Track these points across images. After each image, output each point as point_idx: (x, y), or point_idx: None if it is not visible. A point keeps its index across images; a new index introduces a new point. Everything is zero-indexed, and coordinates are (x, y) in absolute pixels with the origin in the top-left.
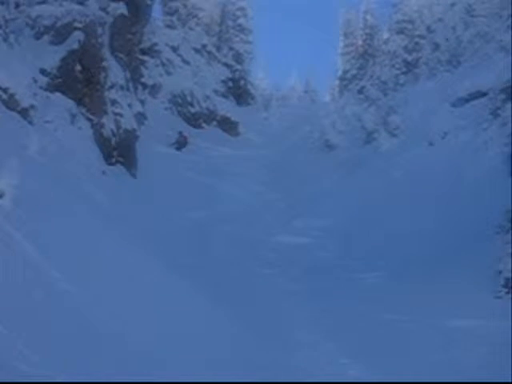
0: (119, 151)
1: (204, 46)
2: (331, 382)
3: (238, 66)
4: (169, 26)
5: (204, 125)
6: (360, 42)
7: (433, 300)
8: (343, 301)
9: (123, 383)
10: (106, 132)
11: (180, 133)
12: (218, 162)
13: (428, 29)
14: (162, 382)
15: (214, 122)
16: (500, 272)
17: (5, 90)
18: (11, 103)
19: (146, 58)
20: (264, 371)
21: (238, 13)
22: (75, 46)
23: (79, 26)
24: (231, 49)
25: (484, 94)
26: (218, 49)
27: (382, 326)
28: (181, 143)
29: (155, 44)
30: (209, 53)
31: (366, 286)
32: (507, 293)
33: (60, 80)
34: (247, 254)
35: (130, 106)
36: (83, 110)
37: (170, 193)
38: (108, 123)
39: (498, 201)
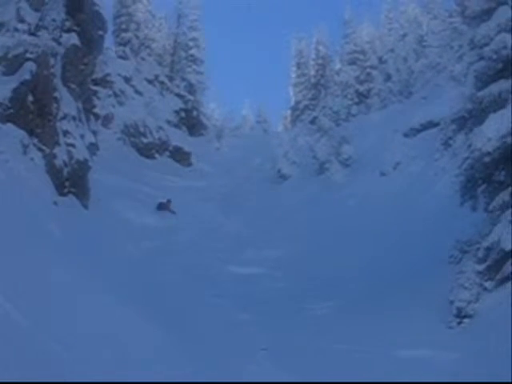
0: (71, 182)
1: (156, 77)
2: (331, 381)
3: (191, 97)
4: (121, 57)
5: (156, 155)
6: (312, 73)
7: (385, 330)
8: (294, 331)
9: (123, 383)
10: (58, 163)
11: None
12: (169, 192)
13: (380, 59)
14: (162, 381)
15: (167, 153)
16: (452, 302)
17: None
18: None
19: (98, 88)
20: None
21: (191, 43)
22: (27, 76)
23: (31, 56)
24: (184, 79)
25: (435, 125)
26: (171, 79)
27: (333, 356)
28: (162, 207)
29: (108, 74)
30: (161, 83)
31: (316, 317)
32: (459, 323)
33: (12, 111)
34: (198, 284)
35: (82, 136)
36: (35, 141)
37: (122, 224)
38: (60, 154)
39: (450, 231)
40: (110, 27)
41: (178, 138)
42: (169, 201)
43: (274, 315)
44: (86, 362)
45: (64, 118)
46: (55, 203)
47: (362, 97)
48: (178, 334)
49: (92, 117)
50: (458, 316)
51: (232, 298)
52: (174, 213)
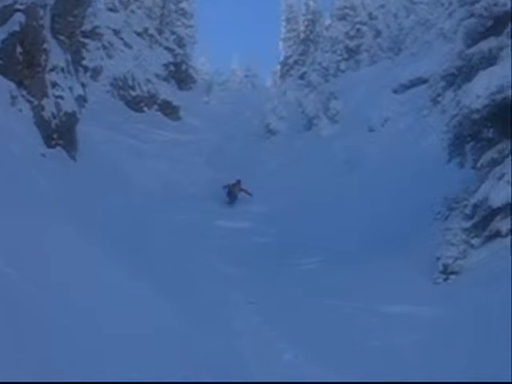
0: (59, 134)
1: (146, 30)
2: (330, 382)
3: (180, 50)
4: (111, 9)
5: (145, 108)
6: (302, 28)
7: (371, 286)
8: (281, 286)
9: (123, 383)
10: (47, 114)
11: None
12: (159, 146)
13: (370, 15)
14: (163, 382)
15: (155, 106)
16: (438, 258)
17: None
18: None
19: (87, 40)
20: (201, 358)
21: None
22: (16, 27)
23: (20, 7)
24: (173, 33)
25: (424, 81)
26: (160, 32)
27: (320, 311)
28: (232, 189)
29: (97, 27)
30: (150, 36)
31: (303, 272)
32: (445, 279)
33: (0, 62)
34: (186, 238)
35: (70, 88)
36: (24, 92)
37: (110, 176)
38: (48, 106)
39: (437, 188)
40: None
41: (167, 91)
42: (239, 181)
43: (261, 269)
44: (70, 307)
45: (53, 69)
46: (43, 155)
47: (352, 52)
48: (166, 287)
49: (81, 69)
50: (444, 272)
51: (220, 252)
52: (250, 194)
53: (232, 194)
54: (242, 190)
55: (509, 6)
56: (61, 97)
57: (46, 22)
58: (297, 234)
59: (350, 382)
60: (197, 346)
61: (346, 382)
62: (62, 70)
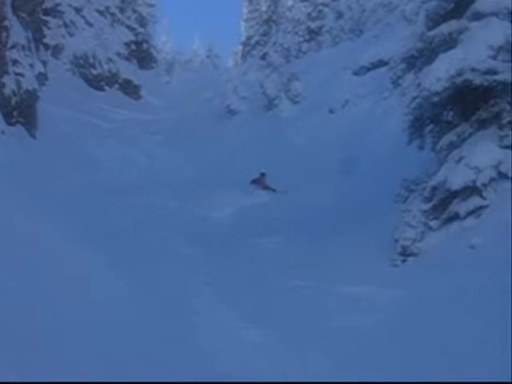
0: (19, 111)
1: (107, 8)
2: (329, 381)
3: (141, 29)
4: None
5: (106, 87)
6: (264, 8)
7: (330, 267)
8: (241, 265)
9: (123, 383)
10: (7, 92)
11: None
12: (119, 125)
13: None
14: (163, 382)
15: (116, 85)
16: (397, 240)
17: None
18: None
19: (48, 18)
20: (159, 337)
21: None
22: None
23: None
24: (135, 11)
25: (386, 64)
26: (122, 11)
27: (279, 291)
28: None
29: (58, 4)
30: (112, 15)
31: (263, 251)
32: (403, 261)
33: None
34: (147, 219)
35: (31, 66)
36: None
37: (69, 155)
38: (9, 83)
39: (397, 170)
40: None
41: (128, 70)
42: (263, 174)
43: (221, 249)
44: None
45: (13, 47)
46: (2, 132)
47: (314, 34)
48: (127, 269)
49: (42, 47)
50: (402, 254)
51: (177, 232)
52: (274, 191)
53: (257, 184)
54: (267, 186)
55: None
56: (21, 74)
57: None
58: (256, 214)
59: (349, 382)
60: (151, 326)
61: (346, 381)
62: (23, 47)
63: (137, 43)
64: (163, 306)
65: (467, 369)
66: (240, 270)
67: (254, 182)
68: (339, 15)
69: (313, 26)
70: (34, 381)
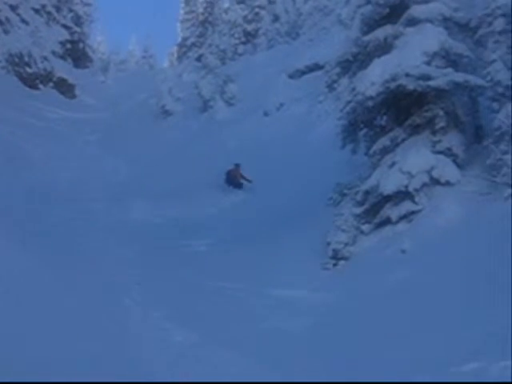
0: None
1: (43, 7)
2: (329, 382)
3: (77, 28)
4: None
5: (40, 86)
6: (200, 10)
7: (261, 269)
8: (171, 267)
9: (123, 383)
10: None
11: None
12: (54, 124)
13: (268, 0)
14: (163, 382)
15: (51, 84)
16: (328, 244)
17: None
18: None
19: None
20: (87, 337)
21: None
22: None
23: None
24: (71, 10)
25: (321, 67)
26: (58, 10)
27: (209, 293)
28: (232, 177)
29: None
30: (48, 13)
31: (193, 254)
32: (334, 265)
33: None
34: (80, 218)
35: None
36: None
37: (3, 154)
38: None
39: (331, 173)
40: None
41: (63, 69)
42: (237, 165)
43: (151, 251)
44: None
45: None
46: None
47: (250, 36)
48: (58, 269)
49: None
50: (334, 258)
51: (110, 232)
52: (250, 181)
53: (233, 181)
54: (242, 176)
55: None
56: None
57: None
58: (187, 216)
59: (350, 382)
60: (80, 325)
61: (346, 382)
62: None
63: (72, 42)
64: (93, 307)
65: (399, 371)
66: (171, 272)
67: (229, 172)
68: (275, 18)
69: (249, 28)
70: (33, 381)
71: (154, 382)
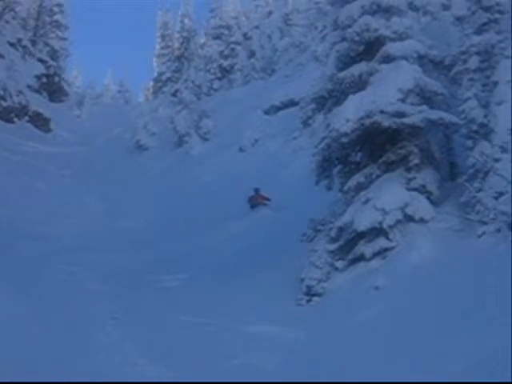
0: None
1: (19, 40)
2: (330, 381)
3: (53, 62)
4: None
5: (15, 119)
6: (176, 45)
7: (235, 305)
8: (144, 302)
9: (124, 383)
10: None
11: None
12: (28, 158)
13: (244, 35)
14: (163, 381)
15: (26, 118)
16: (302, 280)
17: None
18: None
19: None
20: (63, 374)
21: (55, 9)
22: None
23: None
24: (47, 44)
25: (296, 104)
26: (34, 44)
27: (183, 328)
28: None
29: None
30: (24, 47)
31: (167, 289)
32: (308, 301)
33: None
34: (53, 254)
35: None
36: None
37: None
38: None
39: (305, 209)
40: None
41: (39, 103)
42: (256, 190)
43: (125, 286)
44: None
45: None
46: None
47: (225, 72)
48: (32, 304)
49: None
50: (307, 294)
51: (85, 268)
52: (269, 200)
53: (256, 205)
54: (263, 198)
55: (380, 31)
56: None
57: None
58: (160, 251)
59: (350, 382)
60: (55, 362)
61: (347, 381)
62: None
63: (48, 76)
64: (69, 342)
65: None
66: (145, 307)
67: (250, 199)
68: (251, 54)
69: (225, 63)
70: (34, 381)
71: (155, 382)
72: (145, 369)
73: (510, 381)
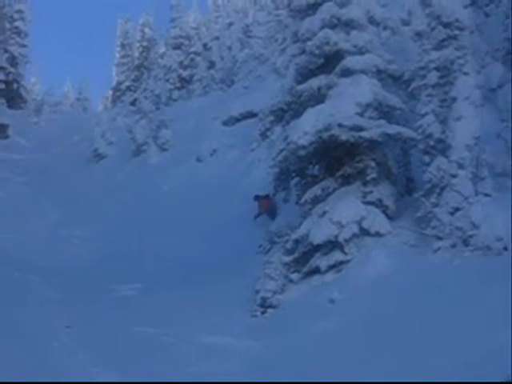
0: None
1: None
2: (331, 382)
3: (12, 69)
4: None
5: None
6: (136, 54)
7: (190, 316)
8: (98, 311)
9: (124, 383)
10: None
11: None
12: None
13: (204, 46)
14: (163, 381)
15: None
16: (257, 292)
17: None
18: None
19: None
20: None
21: (16, 15)
22: None
23: None
24: (6, 51)
25: (255, 115)
26: None
27: (137, 338)
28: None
29: None
30: None
31: (123, 298)
32: (263, 312)
33: None
34: (7, 262)
35: None
36: None
37: None
38: None
39: (261, 221)
40: None
41: None
42: (268, 196)
43: (80, 294)
44: None
45: None
46: None
47: (185, 82)
48: None
49: None
50: (262, 306)
51: (40, 275)
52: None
53: (272, 213)
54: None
55: (340, 45)
56: None
57: None
58: (115, 259)
59: (350, 382)
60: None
61: (347, 382)
62: None
63: (7, 83)
64: (19, 350)
65: None
66: (100, 316)
67: (257, 197)
68: (211, 65)
69: (184, 74)
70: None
71: (155, 382)
72: (97, 377)
73: (510, 381)
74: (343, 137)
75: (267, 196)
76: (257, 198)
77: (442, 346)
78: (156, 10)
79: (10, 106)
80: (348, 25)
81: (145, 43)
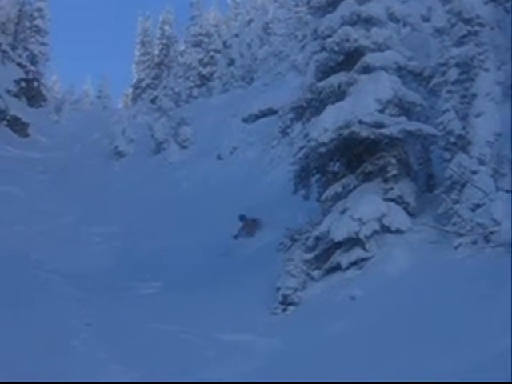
0: None
1: None
2: (332, 382)
3: (32, 67)
4: None
5: None
6: (156, 52)
7: (211, 314)
8: (118, 309)
9: (124, 383)
10: None
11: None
12: (5, 162)
13: (224, 44)
14: (163, 382)
15: (4, 122)
16: (278, 289)
17: None
18: None
19: None
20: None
21: (36, 13)
22: None
23: None
24: (26, 49)
25: (275, 112)
26: (13, 48)
27: (157, 336)
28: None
29: None
30: (3, 52)
31: (142, 296)
32: (283, 310)
33: None
34: (30, 260)
35: None
36: None
37: None
38: None
39: (282, 219)
40: None
41: (17, 107)
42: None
43: (100, 292)
44: None
45: None
46: None
47: (205, 79)
48: (8, 308)
49: None
50: (283, 303)
51: (60, 274)
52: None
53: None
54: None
55: (360, 42)
56: None
57: None
58: (135, 257)
59: (350, 382)
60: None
61: (347, 382)
62: None
63: (27, 81)
64: (40, 348)
65: None
66: (120, 313)
67: (243, 218)
68: (231, 62)
69: (204, 71)
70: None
71: (156, 382)
72: (118, 373)
73: (510, 381)
74: (364, 134)
75: (254, 220)
76: (242, 218)
77: (459, 346)
78: (176, 8)
79: (30, 105)
80: (368, 21)
81: (165, 41)
